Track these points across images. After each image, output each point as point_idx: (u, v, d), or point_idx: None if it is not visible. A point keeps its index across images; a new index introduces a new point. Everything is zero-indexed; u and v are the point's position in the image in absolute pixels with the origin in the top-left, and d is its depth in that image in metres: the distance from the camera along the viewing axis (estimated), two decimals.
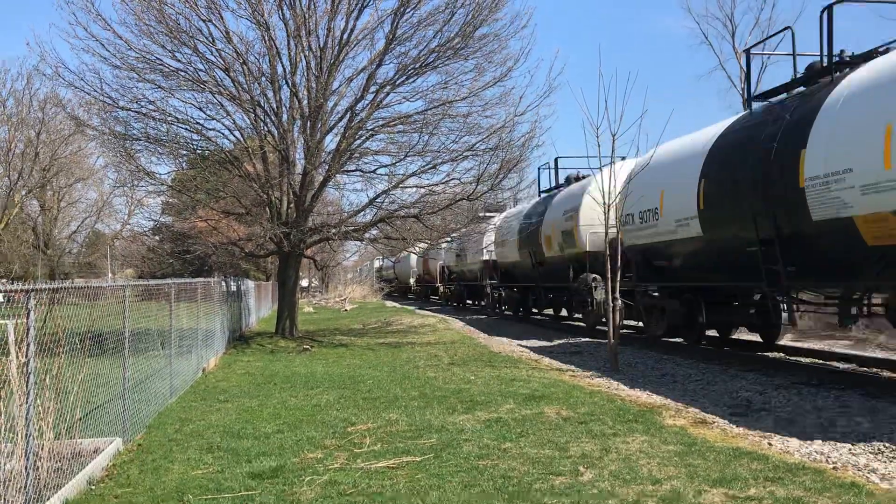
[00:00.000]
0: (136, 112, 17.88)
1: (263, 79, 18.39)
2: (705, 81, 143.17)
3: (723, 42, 52.17)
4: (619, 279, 13.59)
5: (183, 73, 17.43)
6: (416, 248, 26.66)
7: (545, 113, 53.96)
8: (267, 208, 19.86)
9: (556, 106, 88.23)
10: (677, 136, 15.90)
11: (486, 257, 30.27)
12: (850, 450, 7.20)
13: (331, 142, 19.51)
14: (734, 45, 44.22)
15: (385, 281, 68.65)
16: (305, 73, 18.42)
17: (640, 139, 57.45)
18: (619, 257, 13.60)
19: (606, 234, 13.75)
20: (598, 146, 13.33)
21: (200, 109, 18.45)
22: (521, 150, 18.28)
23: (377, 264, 73.64)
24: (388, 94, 18.49)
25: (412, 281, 53.18)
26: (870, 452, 7.11)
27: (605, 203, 13.39)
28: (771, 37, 17.97)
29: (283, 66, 18.43)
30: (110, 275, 49.99)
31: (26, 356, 5.25)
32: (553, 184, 23.24)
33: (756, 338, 15.74)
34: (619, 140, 13.47)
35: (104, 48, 16.72)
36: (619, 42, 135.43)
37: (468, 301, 39.08)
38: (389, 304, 46.64)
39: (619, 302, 13.83)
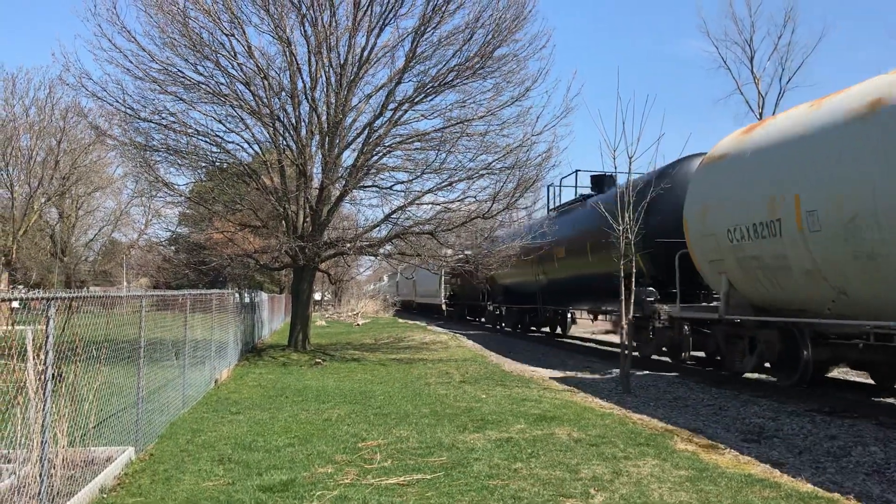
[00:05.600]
0: (156, 123, 18.12)
1: (283, 93, 18.59)
2: (723, 106, 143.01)
3: (741, 66, 52.20)
4: None
5: (204, 86, 17.66)
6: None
7: (562, 133, 54.15)
8: (283, 221, 20.00)
9: (573, 126, 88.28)
10: None
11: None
12: (864, 479, 7.13)
13: (348, 157, 19.72)
14: (752, 69, 44.31)
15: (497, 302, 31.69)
16: (325, 89, 18.61)
17: (658, 161, 57.42)
18: None
19: None
20: (615, 167, 13.34)
21: (220, 122, 18.67)
22: (537, 169, 18.37)
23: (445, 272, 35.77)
24: (406, 111, 18.67)
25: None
26: (885, 483, 7.04)
27: None
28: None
29: (303, 81, 18.66)
30: (125, 283, 50.30)
31: (44, 363, 5.30)
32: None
33: None
34: (634, 162, 13.28)
35: (127, 59, 17.03)
36: (637, 64, 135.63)
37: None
38: (401, 320, 46.60)
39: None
